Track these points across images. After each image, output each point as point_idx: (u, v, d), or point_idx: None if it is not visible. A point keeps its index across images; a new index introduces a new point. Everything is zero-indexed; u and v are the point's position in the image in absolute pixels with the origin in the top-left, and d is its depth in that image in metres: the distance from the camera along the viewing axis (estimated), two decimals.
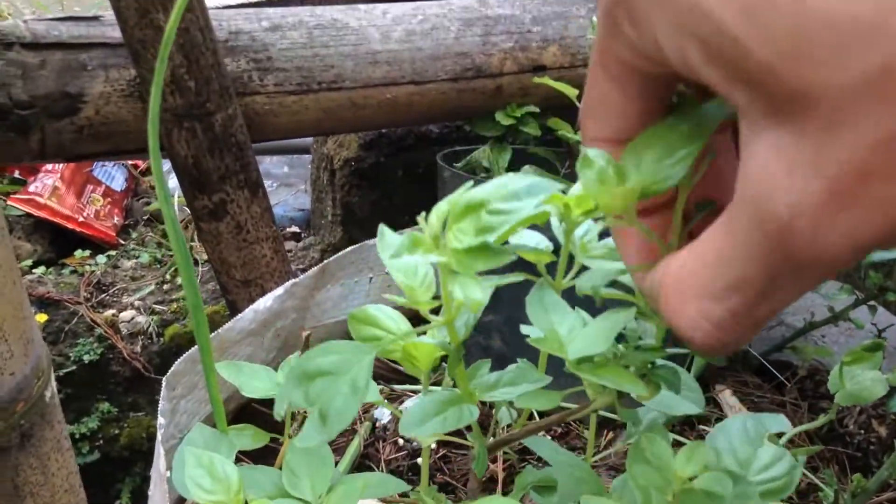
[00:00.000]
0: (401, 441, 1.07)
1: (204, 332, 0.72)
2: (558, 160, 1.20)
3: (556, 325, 0.51)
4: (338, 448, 1.10)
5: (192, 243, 1.59)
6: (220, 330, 0.91)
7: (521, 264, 0.63)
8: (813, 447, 1.07)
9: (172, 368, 0.85)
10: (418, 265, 0.53)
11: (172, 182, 1.16)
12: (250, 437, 0.74)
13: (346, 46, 1.06)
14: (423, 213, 0.40)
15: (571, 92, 1.12)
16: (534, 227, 0.64)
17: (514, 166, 1.19)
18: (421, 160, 1.39)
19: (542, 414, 0.97)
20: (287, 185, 1.92)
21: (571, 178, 1.22)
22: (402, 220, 0.97)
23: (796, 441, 1.16)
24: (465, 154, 1.23)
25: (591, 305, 0.69)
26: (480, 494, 0.70)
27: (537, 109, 1.21)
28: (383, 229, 0.43)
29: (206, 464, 0.62)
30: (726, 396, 1.28)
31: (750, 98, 0.24)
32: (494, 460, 1.06)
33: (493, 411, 0.72)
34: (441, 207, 0.40)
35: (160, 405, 0.81)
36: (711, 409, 1.24)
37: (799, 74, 0.22)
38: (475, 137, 1.31)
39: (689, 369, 1.15)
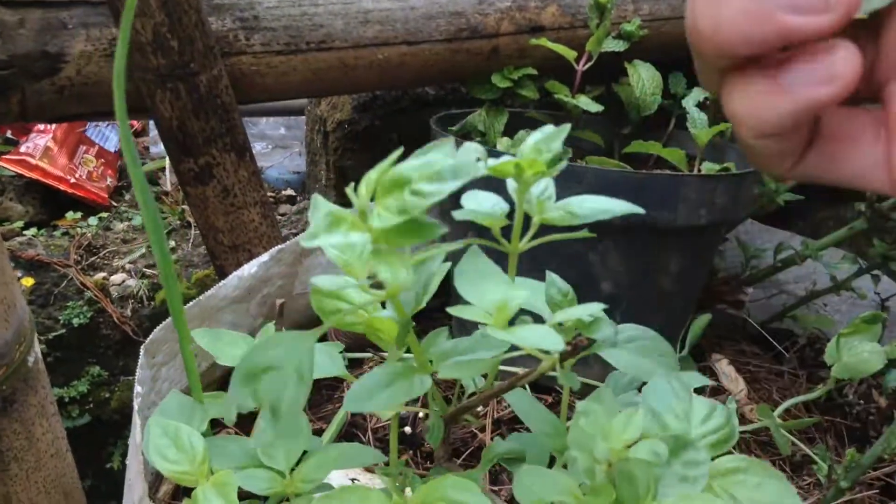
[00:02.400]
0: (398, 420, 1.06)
1: (177, 299, 0.70)
2: (554, 122, 1.17)
3: (488, 294, 0.50)
4: (326, 416, 1.09)
5: (184, 206, 1.57)
6: (202, 297, 0.89)
7: (476, 228, 0.61)
8: (808, 419, 1.06)
9: (151, 336, 0.83)
10: (354, 239, 0.51)
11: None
12: (223, 406, 0.73)
13: (335, 5, 1.03)
14: (353, 184, 0.38)
15: (570, 54, 1.09)
16: (490, 188, 0.62)
17: (510, 130, 1.16)
18: (416, 123, 1.35)
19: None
20: (283, 147, 1.88)
21: (568, 142, 1.18)
22: None
23: (793, 411, 1.14)
24: (460, 117, 1.19)
25: (553, 265, 0.67)
26: (452, 465, 0.69)
27: (535, 72, 1.17)
28: (316, 199, 0.41)
29: (171, 433, 0.61)
30: (723, 366, 1.26)
31: None
32: (483, 429, 1.05)
33: (458, 381, 0.71)
34: (370, 177, 0.38)
35: (137, 373, 0.79)
36: (708, 378, 1.23)
37: None
38: (472, 100, 1.27)
39: (684, 338, 1.13)
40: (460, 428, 1.06)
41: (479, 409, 1.10)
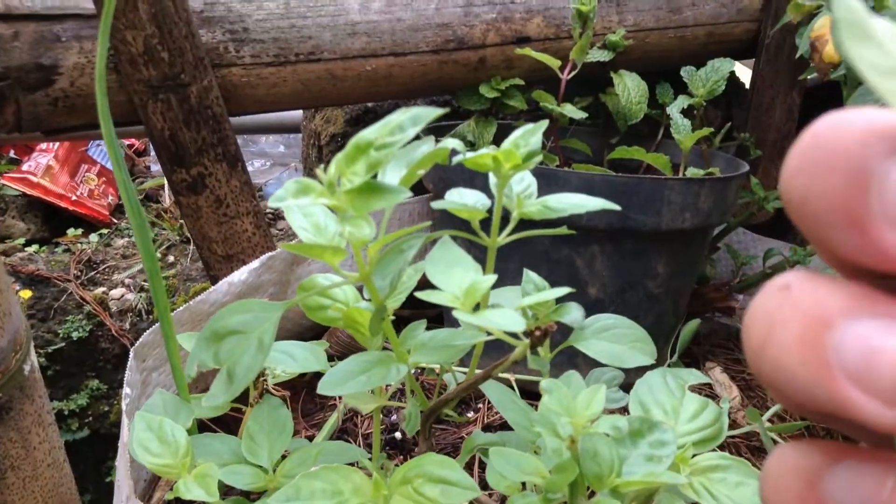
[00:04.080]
0: (380, 416, 1.06)
1: (162, 299, 0.71)
2: (543, 134, 1.19)
3: (457, 279, 0.51)
4: (318, 423, 1.10)
5: (183, 221, 1.58)
6: (191, 302, 0.90)
7: (459, 223, 0.62)
8: (798, 422, 1.06)
9: (141, 339, 0.84)
10: (327, 224, 0.53)
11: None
12: (210, 406, 0.74)
13: (324, 17, 1.05)
14: (322, 167, 0.40)
15: (554, 62, 1.11)
16: (474, 186, 0.64)
17: (499, 141, 1.17)
18: None
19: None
20: (282, 164, 1.91)
21: (554, 151, 1.20)
22: None
23: (788, 420, 1.14)
24: (450, 129, 1.21)
25: (541, 271, 0.68)
26: None
27: (522, 82, 1.19)
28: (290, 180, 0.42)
29: (154, 428, 0.62)
30: (716, 374, 1.26)
31: None
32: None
33: (439, 375, 0.72)
34: (339, 158, 0.40)
35: (126, 375, 0.81)
36: (701, 386, 1.23)
37: None
38: (464, 114, 1.29)
39: (674, 345, 1.14)
40: (452, 434, 1.07)
41: (471, 414, 1.11)
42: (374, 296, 0.52)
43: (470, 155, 0.63)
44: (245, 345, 0.45)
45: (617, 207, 0.62)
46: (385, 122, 0.42)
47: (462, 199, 0.67)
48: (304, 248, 0.49)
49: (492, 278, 0.52)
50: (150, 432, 0.62)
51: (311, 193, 0.41)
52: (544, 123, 0.62)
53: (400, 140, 0.41)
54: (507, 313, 0.48)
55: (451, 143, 0.55)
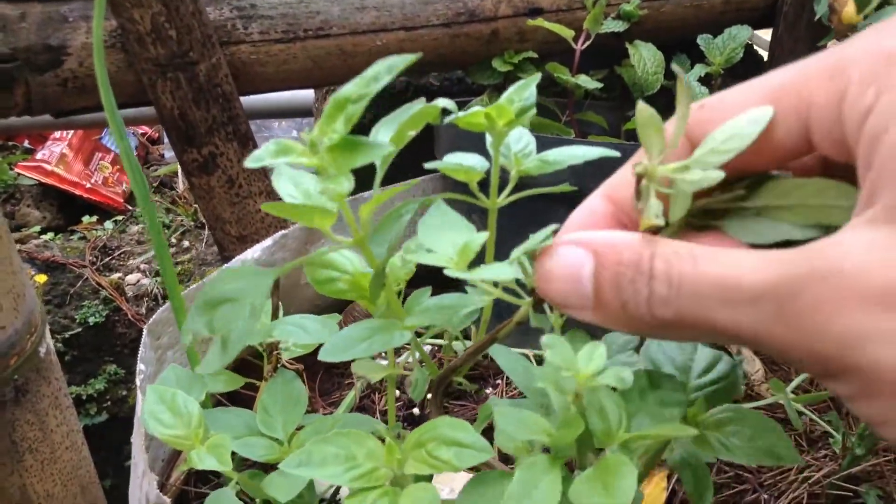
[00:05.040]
0: (397, 392, 1.06)
1: (170, 272, 0.71)
2: (559, 108, 1.17)
3: (451, 240, 0.50)
4: (336, 402, 1.10)
5: (197, 206, 1.58)
6: (204, 280, 0.90)
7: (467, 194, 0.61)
8: (822, 392, 1.04)
9: (154, 317, 0.84)
10: (318, 192, 0.52)
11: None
12: (223, 381, 0.74)
13: None
14: (306, 130, 0.40)
15: (568, 33, 1.09)
16: (474, 149, 0.63)
17: None
18: None
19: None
20: None
21: (570, 125, 1.18)
22: (404, 176, 0.95)
23: (813, 391, 1.12)
24: (462, 105, 1.20)
25: (536, 223, 0.67)
26: None
27: (536, 55, 1.17)
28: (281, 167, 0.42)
29: (167, 400, 0.61)
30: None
31: None
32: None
33: (446, 344, 0.71)
34: (320, 120, 0.39)
35: (140, 352, 0.80)
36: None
37: None
38: (478, 90, 1.28)
39: None
40: (470, 410, 1.06)
41: (489, 391, 1.10)
42: (369, 259, 0.51)
43: (461, 114, 0.61)
44: (238, 312, 0.44)
45: (617, 154, 0.60)
46: (361, 76, 0.41)
47: (460, 161, 0.66)
48: (288, 208, 0.47)
49: (485, 235, 0.51)
50: (162, 404, 0.61)
51: (292, 153, 0.40)
52: (537, 77, 0.60)
53: (375, 88, 0.40)
54: (497, 266, 0.47)
55: (442, 102, 0.53)
